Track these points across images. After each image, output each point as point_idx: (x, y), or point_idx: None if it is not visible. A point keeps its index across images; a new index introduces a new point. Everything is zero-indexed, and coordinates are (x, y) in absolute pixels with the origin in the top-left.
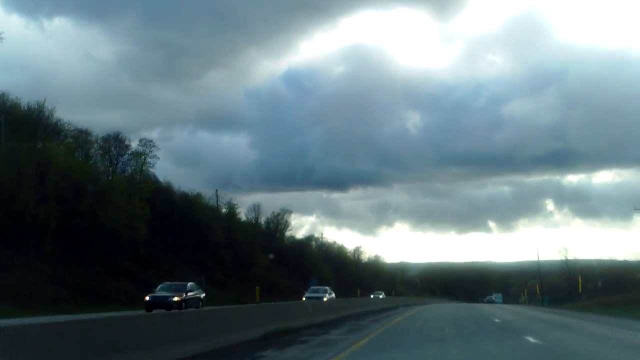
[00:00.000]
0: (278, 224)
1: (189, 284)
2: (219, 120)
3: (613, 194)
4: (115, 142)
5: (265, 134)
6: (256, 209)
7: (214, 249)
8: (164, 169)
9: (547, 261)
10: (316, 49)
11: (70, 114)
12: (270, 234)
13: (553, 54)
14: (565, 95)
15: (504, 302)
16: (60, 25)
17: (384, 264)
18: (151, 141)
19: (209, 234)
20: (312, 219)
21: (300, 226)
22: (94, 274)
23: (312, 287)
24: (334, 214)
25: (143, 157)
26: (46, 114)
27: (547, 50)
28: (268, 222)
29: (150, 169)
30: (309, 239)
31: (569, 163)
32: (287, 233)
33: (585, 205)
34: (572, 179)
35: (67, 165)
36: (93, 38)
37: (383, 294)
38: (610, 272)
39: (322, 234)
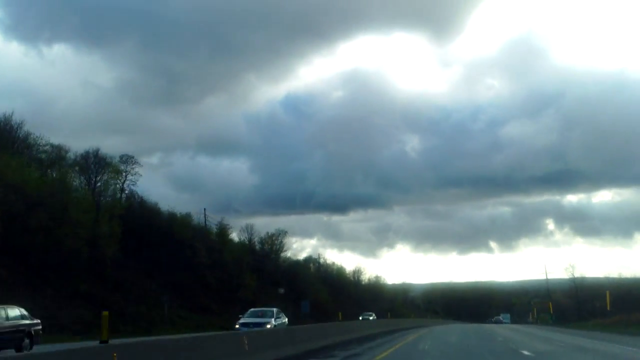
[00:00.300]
0: (273, 245)
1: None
2: (219, 145)
3: (613, 213)
4: (94, 159)
5: (264, 158)
6: (249, 229)
7: (197, 271)
8: (160, 192)
9: (552, 279)
10: (315, 74)
11: (69, 141)
12: (264, 255)
13: (551, 76)
14: (563, 117)
15: (511, 321)
16: (59, 52)
17: (385, 285)
18: (132, 157)
19: (191, 255)
20: (313, 241)
21: (302, 249)
22: (45, 299)
23: (252, 310)
24: (335, 237)
25: (124, 174)
26: (14, 126)
27: (545, 73)
28: (262, 242)
29: (132, 187)
30: (307, 260)
31: (568, 183)
32: (284, 254)
33: (585, 224)
34: (572, 198)
35: (20, 179)
36: (92, 65)
37: (374, 315)
38: (620, 290)
39: (319, 254)
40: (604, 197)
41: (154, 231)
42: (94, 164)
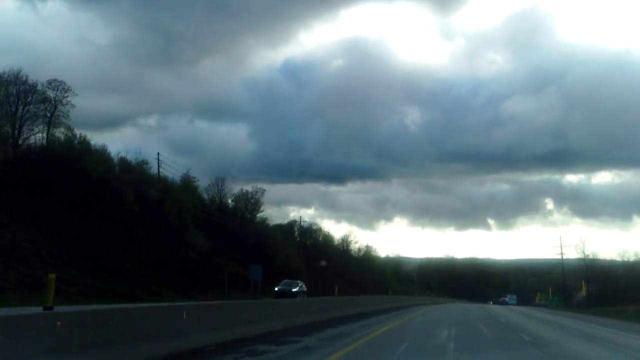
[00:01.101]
0: (247, 204)
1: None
2: (216, 109)
3: (613, 195)
4: (16, 83)
5: (263, 125)
6: (219, 182)
7: (120, 221)
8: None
9: (551, 259)
10: (315, 40)
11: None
12: (237, 214)
13: (554, 53)
14: (565, 95)
15: (517, 303)
16: (54, 8)
17: (377, 257)
18: (63, 82)
19: (115, 202)
20: (310, 211)
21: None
22: None
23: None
24: (333, 207)
25: (53, 102)
26: None
27: (548, 50)
28: (236, 200)
29: (64, 119)
30: (291, 224)
31: (568, 163)
32: (261, 215)
33: (584, 205)
34: (572, 178)
35: None
36: (89, 21)
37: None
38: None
39: (300, 217)
40: (603, 178)
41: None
42: (16, 88)
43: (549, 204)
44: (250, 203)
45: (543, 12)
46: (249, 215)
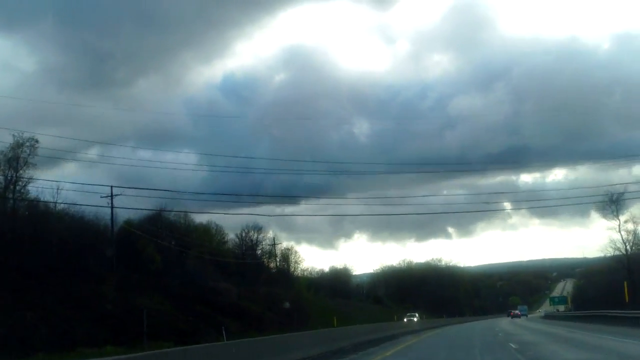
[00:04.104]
0: None
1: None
2: (160, 136)
3: (569, 192)
4: None
5: (209, 149)
6: None
7: None
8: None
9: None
10: (254, 51)
11: None
12: None
13: (498, 47)
14: (514, 89)
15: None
16: None
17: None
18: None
19: None
20: (269, 235)
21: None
22: None
23: None
24: (291, 229)
25: None
26: None
27: (492, 45)
28: None
29: None
30: None
31: (523, 160)
32: None
33: (541, 204)
34: (527, 178)
35: None
36: (13, 47)
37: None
38: None
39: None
40: (557, 175)
41: None
42: None
43: (507, 206)
44: None
45: (483, 5)
46: None
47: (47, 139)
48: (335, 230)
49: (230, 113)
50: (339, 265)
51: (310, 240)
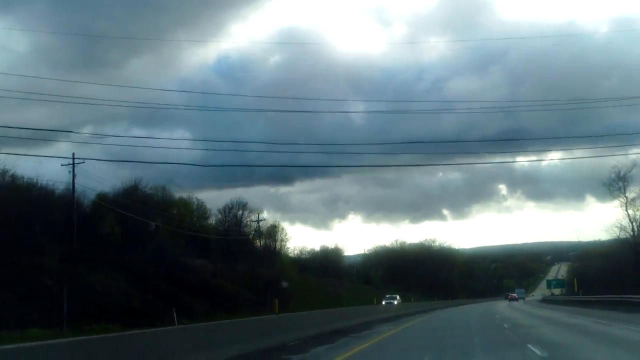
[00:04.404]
0: None
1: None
2: (153, 115)
3: (564, 175)
4: None
5: (203, 129)
6: None
7: None
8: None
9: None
10: (249, 32)
11: None
12: None
13: (495, 31)
14: (511, 72)
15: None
16: None
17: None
18: None
19: None
20: (263, 215)
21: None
22: None
23: None
24: (285, 209)
25: None
26: None
27: (489, 28)
28: None
29: None
30: None
31: (519, 143)
32: None
33: (537, 188)
34: (523, 161)
35: None
36: (5, 28)
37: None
38: None
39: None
40: (554, 159)
41: None
42: None
43: (502, 190)
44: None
45: None
46: None
47: (40, 117)
48: (329, 211)
49: (224, 93)
50: (331, 245)
51: (304, 221)
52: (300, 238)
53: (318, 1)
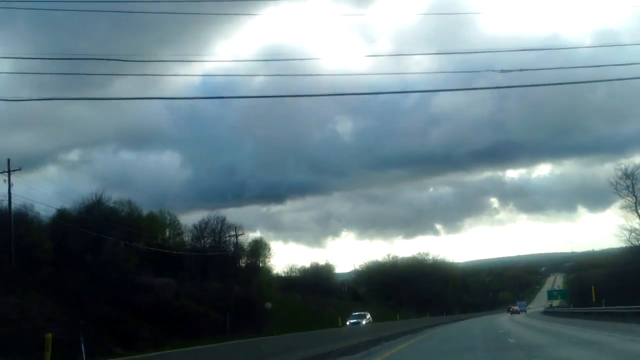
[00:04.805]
0: None
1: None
2: (141, 137)
3: (555, 187)
4: None
5: (192, 151)
6: None
7: None
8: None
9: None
10: (233, 50)
11: None
12: None
13: (480, 45)
14: (496, 86)
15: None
16: None
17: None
18: None
19: None
20: (256, 234)
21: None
22: None
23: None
24: (277, 228)
25: None
26: None
27: (473, 42)
28: None
29: None
30: None
31: (508, 156)
32: None
33: (528, 200)
34: (513, 174)
35: None
36: None
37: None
38: None
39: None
40: (543, 170)
41: None
42: None
43: (494, 203)
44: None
45: (464, 2)
46: None
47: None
48: (322, 228)
49: (211, 113)
50: (322, 261)
51: (297, 239)
52: (293, 256)
53: (301, 19)
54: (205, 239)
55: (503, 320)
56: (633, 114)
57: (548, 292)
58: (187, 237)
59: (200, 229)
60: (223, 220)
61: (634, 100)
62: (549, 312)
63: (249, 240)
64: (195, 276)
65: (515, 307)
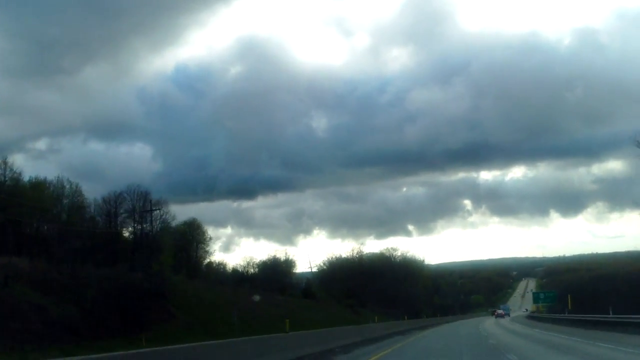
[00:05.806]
0: None
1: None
2: (111, 127)
3: (528, 190)
4: None
5: (162, 142)
6: None
7: None
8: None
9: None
10: (208, 41)
11: None
12: None
13: (457, 42)
14: (473, 84)
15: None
16: None
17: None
18: None
19: None
20: (227, 231)
21: (217, 238)
22: None
23: None
24: (248, 224)
25: None
26: None
27: (452, 39)
28: None
29: None
30: None
31: (483, 156)
32: None
33: (501, 203)
34: (487, 175)
35: None
36: None
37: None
38: None
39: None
40: (516, 173)
41: None
42: None
43: (467, 205)
44: None
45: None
46: None
47: None
48: (294, 226)
49: (183, 104)
50: (282, 257)
51: (269, 237)
52: (262, 254)
53: (277, 10)
54: (121, 217)
55: (492, 326)
56: (609, 115)
57: (534, 294)
58: (94, 213)
59: (110, 204)
60: (146, 194)
61: (613, 101)
62: (535, 317)
63: (177, 221)
64: (74, 258)
65: (500, 311)
